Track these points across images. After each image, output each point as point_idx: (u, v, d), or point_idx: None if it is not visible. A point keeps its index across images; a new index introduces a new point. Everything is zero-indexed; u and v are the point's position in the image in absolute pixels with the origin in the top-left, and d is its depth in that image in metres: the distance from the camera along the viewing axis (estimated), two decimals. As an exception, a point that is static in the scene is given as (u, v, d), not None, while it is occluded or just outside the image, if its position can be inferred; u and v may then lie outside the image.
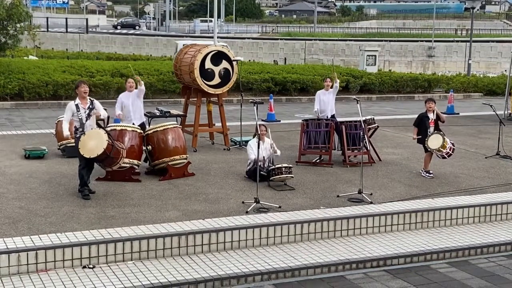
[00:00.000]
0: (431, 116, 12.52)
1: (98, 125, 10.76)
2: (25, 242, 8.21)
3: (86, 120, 10.40)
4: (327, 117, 14.04)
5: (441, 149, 12.21)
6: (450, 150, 12.26)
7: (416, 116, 13.13)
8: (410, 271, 8.80)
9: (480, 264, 9.16)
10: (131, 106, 12.62)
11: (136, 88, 12.73)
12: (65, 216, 9.41)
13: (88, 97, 10.58)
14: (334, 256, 8.91)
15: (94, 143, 10.12)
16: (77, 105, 10.40)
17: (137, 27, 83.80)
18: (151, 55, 44.18)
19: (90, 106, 10.48)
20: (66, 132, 10.53)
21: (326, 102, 14.23)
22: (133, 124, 12.35)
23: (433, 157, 12.67)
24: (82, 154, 10.13)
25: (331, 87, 14.33)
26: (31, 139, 15.23)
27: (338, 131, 13.48)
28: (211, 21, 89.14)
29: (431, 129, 12.44)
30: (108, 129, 11.57)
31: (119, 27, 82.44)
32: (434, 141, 12.26)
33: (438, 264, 9.11)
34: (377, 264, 8.91)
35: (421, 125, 12.58)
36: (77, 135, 10.38)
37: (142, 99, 12.96)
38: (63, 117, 13.50)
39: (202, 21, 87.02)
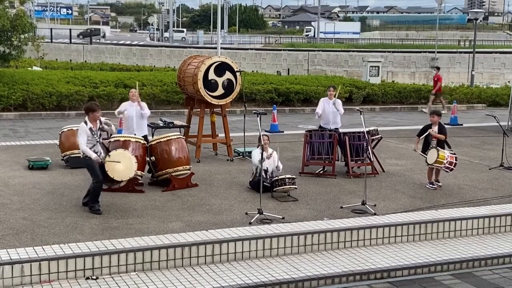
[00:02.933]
0: (435, 129, 12.49)
1: (102, 144, 10.60)
2: (28, 253, 8.21)
3: (98, 141, 10.31)
4: (330, 128, 13.93)
5: (437, 164, 12.17)
6: (448, 163, 12.15)
7: (419, 126, 13.13)
8: (414, 283, 8.77)
9: (484, 276, 9.13)
10: (135, 117, 12.59)
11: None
12: (69, 227, 9.41)
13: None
14: (338, 268, 8.88)
15: (124, 165, 10.19)
16: (90, 129, 10.17)
17: (98, 36, 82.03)
18: (154, 66, 44.30)
19: (100, 126, 10.38)
20: (93, 155, 10.08)
21: (328, 111, 14.02)
22: (135, 135, 12.32)
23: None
24: (112, 177, 10.13)
25: (335, 96, 14.14)
26: (34, 149, 15.25)
27: (341, 142, 13.48)
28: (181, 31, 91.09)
29: (434, 143, 12.42)
30: (112, 139, 11.60)
31: (81, 36, 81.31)
32: (430, 157, 12.25)
33: (442, 276, 9.08)
34: (381, 276, 8.88)
35: (425, 138, 12.55)
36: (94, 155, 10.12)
37: (146, 105, 12.98)
38: (67, 127, 13.63)
39: (176, 31, 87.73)
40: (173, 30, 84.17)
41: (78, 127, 10.49)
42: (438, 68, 27.57)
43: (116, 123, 13.50)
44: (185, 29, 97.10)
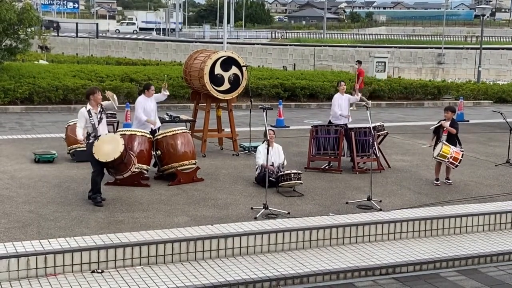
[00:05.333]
0: (446, 124, 12.44)
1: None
2: (34, 246, 8.23)
3: (98, 125, 10.37)
4: (341, 124, 13.86)
5: (440, 158, 12.16)
6: (452, 159, 12.13)
7: (425, 122, 13.07)
8: (419, 279, 8.76)
9: (490, 273, 9.12)
10: (153, 112, 12.75)
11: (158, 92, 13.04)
12: (74, 221, 9.43)
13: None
14: (343, 263, 8.88)
15: (110, 147, 10.08)
16: (89, 111, 10.30)
17: (51, 29, 79.11)
18: (160, 60, 44.29)
19: (101, 110, 10.46)
20: (80, 136, 10.29)
21: (343, 106, 13.99)
22: (158, 128, 12.57)
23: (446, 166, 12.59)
24: (97, 158, 10.05)
25: (346, 93, 14.19)
26: (41, 143, 15.29)
27: (348, 138, 13.46)
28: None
29: (444, 137, 12.38)
30: (118, 133, 11.59)
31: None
32: (436, 150, 12.26)
33: (448, 272, 9.08)
34: (386, 272, 8.88)
35: (437, 134, 12.53)
36: (90, 141, 10.26)
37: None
38: (73, 121, 13.63)
39: (129, 23, 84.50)
40: (122, 23, 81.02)
41: None
42: (359, 62, 26.17)
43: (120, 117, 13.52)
44: (136, 21, 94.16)
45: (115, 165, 10.24)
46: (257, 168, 11.95)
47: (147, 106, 12.63)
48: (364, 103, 22.33)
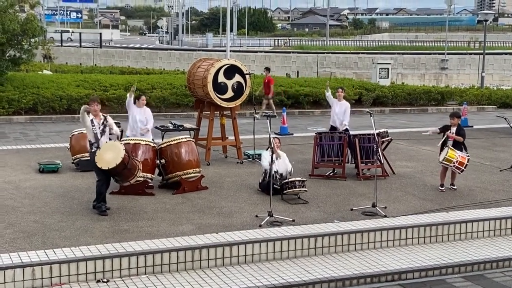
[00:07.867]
0: (453, 130, 12.43)
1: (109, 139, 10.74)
2: (39, 256, 8.24)
3: (101, 136, 10.40)
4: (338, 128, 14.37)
5: (446, 162, 12.15)
6: (457, 163, 12.12)
7: (430, 128, 13.06)
8: (425, 285, 8.74)
9: (496, 278, 9.08)
10: (139, 123, 12.75)
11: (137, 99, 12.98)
12: (79, 230, 9.44)
13: (101, 114, 10.60)
14: (348, 270, 8.87)
15: (111, 154, 10.13)
16: (91, 121, 10.40)
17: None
18: (164, 69, 44.36)
19: (104, 123, 10.49)
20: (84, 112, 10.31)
21: (337, 112, 14.53)
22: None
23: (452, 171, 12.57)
24: (100, 166, 10.10)
25: (343, 98, 14.63)
26: (45, 153, 15.31)
27: (351, 144, 13.46)
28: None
29: (450, 143, 12.36)
30: (122, 142, 11.61)
31: None
32: (442, 154, 12.25)
33: (453, 278, 9.05)
34: (392, 278, 8.85)
35: (444, 139, 12.51)
36: (92, 150, 10.34)
37: (152, 117, 13.08)
38: (77, 131, 13.67)
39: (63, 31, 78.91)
40: (61, 31, 75.83)
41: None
42: (268, 70, 24.76)
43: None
44: (70, 29, 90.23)
45: (119, 172, 10.27)
46: (263, 173, 11.95)
47: (134, 115, 12.81)
48: (270, 112, 21.04)
